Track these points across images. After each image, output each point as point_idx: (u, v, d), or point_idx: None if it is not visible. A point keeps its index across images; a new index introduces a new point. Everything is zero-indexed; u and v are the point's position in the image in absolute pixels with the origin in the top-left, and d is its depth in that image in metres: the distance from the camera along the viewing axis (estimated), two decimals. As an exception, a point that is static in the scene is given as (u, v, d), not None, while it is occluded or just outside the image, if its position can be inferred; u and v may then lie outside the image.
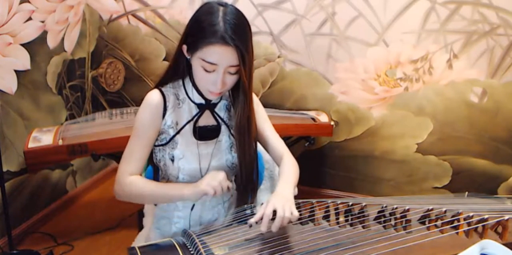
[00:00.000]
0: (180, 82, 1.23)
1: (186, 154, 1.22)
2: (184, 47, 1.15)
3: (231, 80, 1.13)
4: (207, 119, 1.25)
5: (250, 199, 1.30)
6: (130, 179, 1.18)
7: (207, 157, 1.24)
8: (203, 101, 1.23)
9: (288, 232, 1.07)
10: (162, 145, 1.23)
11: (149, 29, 2.59)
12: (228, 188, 1.13)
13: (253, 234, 1.03)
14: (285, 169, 1.22)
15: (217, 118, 1.26)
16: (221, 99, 1.27)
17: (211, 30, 1.06)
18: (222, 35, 1.04)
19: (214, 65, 1.08)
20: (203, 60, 1.08)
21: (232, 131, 1.27)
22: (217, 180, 1.12)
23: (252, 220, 1.03)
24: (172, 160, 1.22)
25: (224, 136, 1.27)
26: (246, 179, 1.26)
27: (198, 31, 1.08)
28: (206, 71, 1.10)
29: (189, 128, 1.23)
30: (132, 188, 1.18)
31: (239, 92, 1.18)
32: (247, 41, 1.09)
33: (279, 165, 1.27)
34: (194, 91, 1.22)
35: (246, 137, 1.23)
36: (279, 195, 1.09)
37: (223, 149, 1.26)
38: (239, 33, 1.07)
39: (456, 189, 2.38)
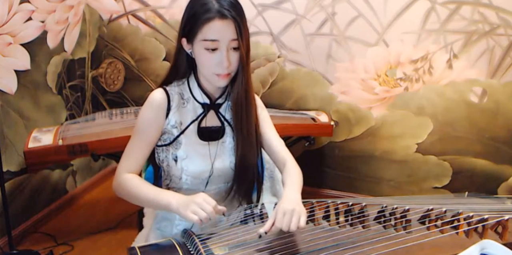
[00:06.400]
0: (185, 81, 1.23)
1: (190, 155, 1.21)
2: (184, 40, 1.15)
3: (235, 57, 1.13)
4: (211, 120, 1.25)
5: (257, 199, 1.29)
6: (126, 176, 1.16)
7: (211, 158, 1.24)
8: (208, 101, 1.23)
9: (288, 232, 1.07)
10: (165, 145, 1.23)
11: (149, 29, 2.59)
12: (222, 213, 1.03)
13: (254, 235, 1.03)
14: (291, 175, 1.19)
15: (222, 118, 1.26)
16: (226, 99, 1.26)
17: (205, 8, 1.08)
18: (218, 9, 1.07)
19: (216, 42, 1.09)
20: (205, 40, 1.09)
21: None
22: (205, 208, 1.00)
23: (261, 230, 1.00)
24: (176, 161, 1.22)
25: (228, 138, 1.26)
26: (245, 178, 1.26)
27: (193, 15, 1.10)
28: (209, 51, 1.10)
29: (193, 128, 1.22)
30: (127, 185, 1.15)
31: (237, 67, 1.17)
32: (242, 14, 1.11)
33: (281, 170, 1.25)
34: (199, 90, 1.22)
35: (244, 112, 1.21)
36: (288, 200, 1.05)
37: (226, 151, 1.25)
38: (234, 6, 1.09)
39: (456, 189, 2.38)
